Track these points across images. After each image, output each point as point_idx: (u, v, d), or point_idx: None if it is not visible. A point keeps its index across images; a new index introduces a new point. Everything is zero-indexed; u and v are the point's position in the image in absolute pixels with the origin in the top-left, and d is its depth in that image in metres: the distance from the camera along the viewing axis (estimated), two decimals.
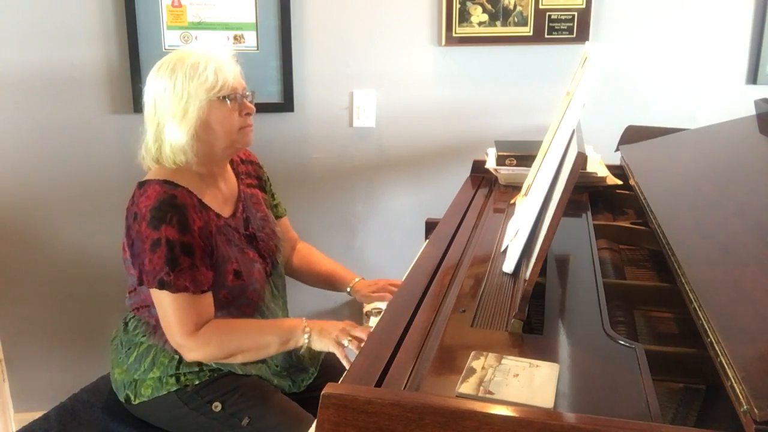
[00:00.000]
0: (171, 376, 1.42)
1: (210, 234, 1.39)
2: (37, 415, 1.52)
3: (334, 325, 1.39)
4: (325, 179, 2.24)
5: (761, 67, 2.10)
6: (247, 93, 1.43)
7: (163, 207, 1.32)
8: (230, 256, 1.42)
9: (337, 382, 0.85)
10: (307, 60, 2.14)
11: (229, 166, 1.55)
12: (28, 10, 2.03)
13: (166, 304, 1.34)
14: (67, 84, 2.09)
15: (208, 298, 1.38)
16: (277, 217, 1.68)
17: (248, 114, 1.42)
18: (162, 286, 1.32)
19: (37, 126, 2.11)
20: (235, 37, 2.09)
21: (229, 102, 1.38)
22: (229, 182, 1.52)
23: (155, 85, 1.38)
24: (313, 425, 0.84)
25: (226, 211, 1.47)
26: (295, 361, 1.58)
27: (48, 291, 2.25)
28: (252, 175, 1.62)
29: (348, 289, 1.67)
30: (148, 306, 1.45)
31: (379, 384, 0.86)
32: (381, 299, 1.59)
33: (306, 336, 1.38)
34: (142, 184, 1.37)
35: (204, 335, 1.36)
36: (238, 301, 1.44)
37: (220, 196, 1.48)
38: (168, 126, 1.37)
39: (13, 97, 2.08)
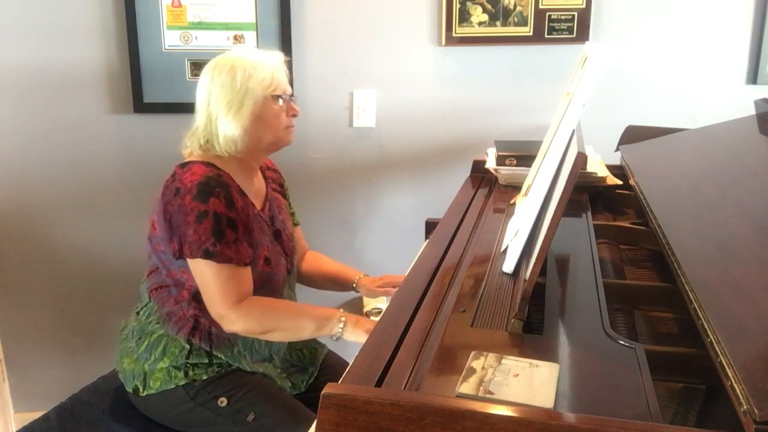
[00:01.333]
0: (179, 369, 1.43)
1: (249, 216, 1.44)
2: (37, 415, 1.52)
3: (367, 319, 1.45)
4: (325, 179, 2.24)
5: (761, 67, 2.10)
6: (293, 98, 1.52)
7: (211, 182, 1.37)
8: (263, 243, 1.47)
9: (338, 382, 0.85)
10: (307, 60, 2.14)
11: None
12: (28, 10, 2.03)
13: (209, 275, 1.38)
14: (67, 84, 2.09)
15: (249, 272, 1.43)
16: (293, 225, 1.72)
17: (294, 115, 1.52)
18: (207, 255, 1.36)
19: (37, 126, 2.11)
20: (235, 37, 2.09)
21: (281, 102, 1.47)
22: (259, 180, 1.59)
23: (212, 80, 1.45)
24: (314, 425, 0.84)
25: (257, 204, 1.53)
26: (295, 361, 1.59)
27: (48, 291, 2.25)
28: (276, 182, 1.69)
29: (354, 285, 1.72)
30: (169, 286, 1.47)
31: (379, 384, 0.86)
32: (386, 294, 1.65)
33: (341, 326, 1.42)
34: (184, 165, 1.43)
35: (246, 308, 1.40)
36: (264, 288, 1.48)
37: (254, 190, 1.53)
38: (221, 118, 1.43)
39: (13, 96, 2.08)
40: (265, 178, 1.63)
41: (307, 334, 1.45)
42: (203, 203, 1.35)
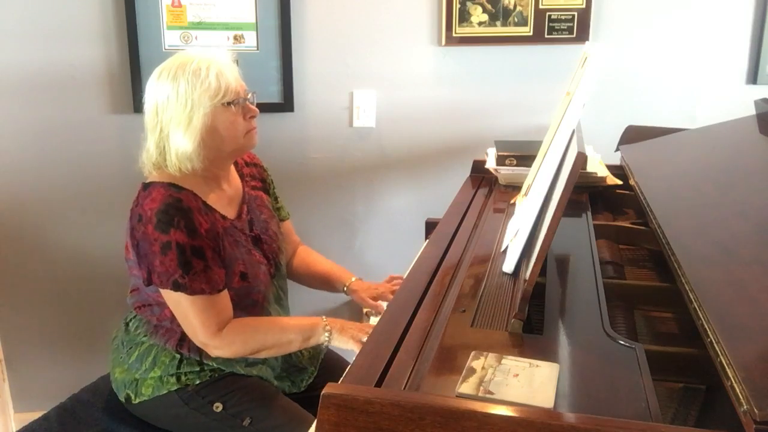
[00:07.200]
0: (171, 375, 1.42)
1: (217, 235, 1.39)
2: (37, 415, 1.52)
3: (353, 324, 1.41)
4: (325, 179, 2.24)
5: (761, 67, 2.10)
6: (249, 95, 1.42)
7: (170, 210, 1.31)
8: (237, 258, 1.42)
9: (337, 381, 0.85)
10: (307, 60, 2.14)
11: (233, 168, 1.54)
12: (28, 10, 2.03)
13: (184, 306, 1.34)
14: (67, 84, 2.09)
15: (225, 296, 1.38)
16: (281, 220, 1.67)
17: (252, 117, 1.42)
18: (177, 288, 1.31)
19: (37, 126, 2.11)
20: (235, 37, 2.09)
21: (233, 107, 1.37)
22: (232, 184, 1.52)
23: (157, 91, 1.37)
24: (313, 425, 0.84)
25: (230, 213, 1.47)
26: (294, 361, 1.58)
27: (48, 291, 2.25)
28: (256, 177, 1.62)
29: (344, 289, 1.66)
30: (151, 305, 1.45)
31: (379, 384, 0.86)
32: (376, 309, 1.57)
33: (327, 334, 1.39)
34: (146, 186, 1.37)
35: (229, 335, 1.37)
36: (244, 302, 1.44)
37: (225, 198, 1.47)
38: (173, 134, 1.35)
39: (13, 97, 2.08)
40: (242, 176, 1.56)
41: (295, 347, 1.42)
42: (164, 233, 1.29)
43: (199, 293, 1.32)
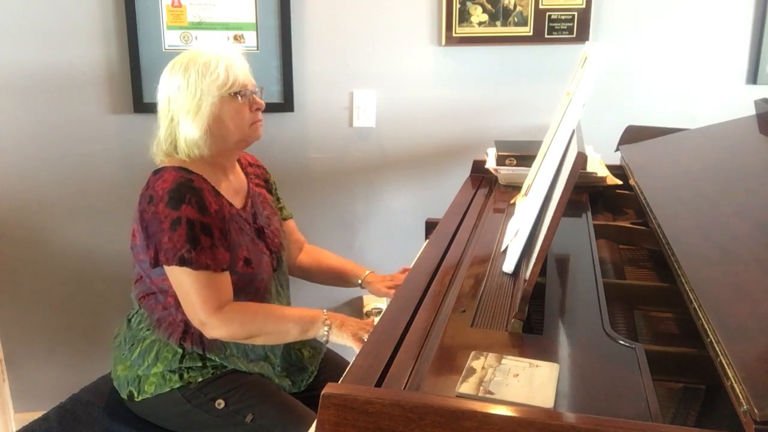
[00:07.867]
0: (174, 372, 1.42)
1: (224, 218, 1.42)
2: (37, 415, 1.53)
3: (354, 321, 1.42)
4: (325, 179, 2.24)
5: (761, 67, 2.10)
6: (257, 89, 1.48)
7: (182, 189, 1.36)
8: (241, 244, 1.45)
9: (338, 381, 0.85)
10: (307, 60, 2.14)
11: (237, 165, 1.58)
12: (28, 10, 2.03)
13: (187, 282, 1.36)
14: (67, 84, 2.09)
15: (227, 277, 1.41)
16: (283, 219, 1.69)
17: (258, 109, 1.48)
18: (183, 262, 1.34)
19: (37, 126, 2.11)
20: (235, 37, 2.09)
21: (240, 98, 1.43)
22: (238, 177, 1.56)
23: (169, 83, 1.43)
24: (314, 425, 0.84)
25: (237, 203, 1.51)
26: (294, 360, 1.58)
27: (48, 291, 2.25)
28: (260, 177, 1.66)
29: (360, 282, 1.68)
30: (155, 293, 1.46)
31: (379, 384, 0.86)
32: (390, 296, 1.59)
33: (326, 328, 1.40)
34: (157, 171, 1.41)
35: (228, 313, 1.38)
36: (247, 289, 1.46)
37: (231, 188, 1.51)
38: (182, 122, 1.41)
39: (13, 96, 2.08)
40: (247, 174, 1.60)
41: (292, 337, 1.43)
42: (175, 210, 1.34)
43: (203, 269, 1.35)
